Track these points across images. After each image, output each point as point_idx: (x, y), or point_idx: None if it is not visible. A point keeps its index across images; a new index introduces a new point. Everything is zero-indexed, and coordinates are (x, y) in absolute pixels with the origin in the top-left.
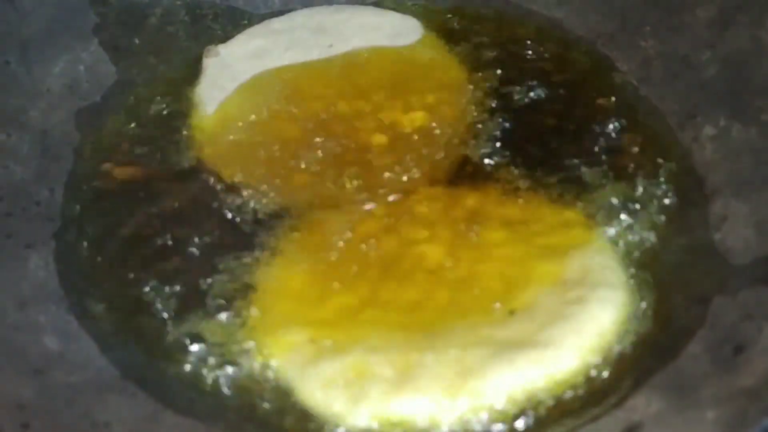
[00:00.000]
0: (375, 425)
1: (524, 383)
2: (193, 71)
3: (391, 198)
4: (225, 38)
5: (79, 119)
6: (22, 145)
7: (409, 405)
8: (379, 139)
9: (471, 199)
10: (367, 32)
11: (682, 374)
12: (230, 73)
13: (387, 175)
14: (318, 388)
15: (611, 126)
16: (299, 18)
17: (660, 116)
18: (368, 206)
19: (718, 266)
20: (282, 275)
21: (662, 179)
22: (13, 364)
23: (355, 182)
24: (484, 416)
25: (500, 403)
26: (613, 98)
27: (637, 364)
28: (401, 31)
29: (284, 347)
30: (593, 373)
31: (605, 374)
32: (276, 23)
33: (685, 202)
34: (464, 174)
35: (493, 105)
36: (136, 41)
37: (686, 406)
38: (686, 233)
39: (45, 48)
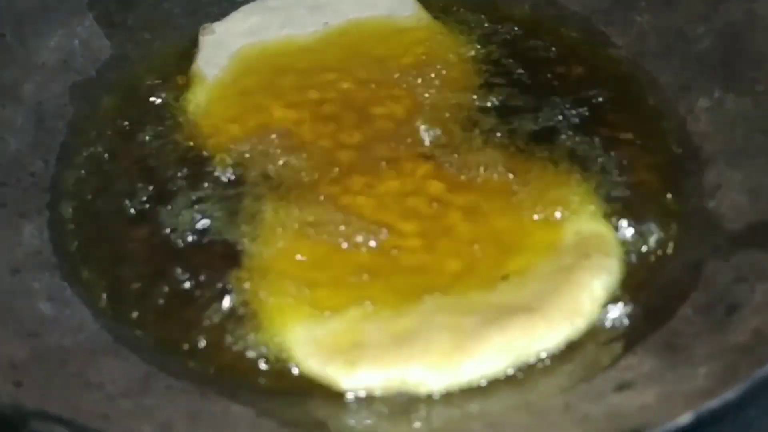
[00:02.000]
0: (370, 390)
1: (517, 348)
2: (188, 48)
3: (383, 164)
4: (220, 15)
5: (74, 93)
6: (17, 117)
7: (404, 370)
8: (375, 110)
9: (466, 168)
10: (362, 9)
11: (676, 335)
12: (226, 50)
13: (380, 144)
14: (313, 354)
15: (607, 99)
16: None
17: (655, 89)
18: (362, 174)
19: (712, 232)
20: (273, 241)
21: (657, 150)
22: (7, 326)
23: (348, 151)
24: (478, 380)
25: (494, 368)
26: (609, 72)
27: (632, 327)
28: (396, 7)
29: (278, 313)
30: (586, 337)
31: (599, 338)
32: (272, 1)
33: (681, 172)
34: (458, 144)
35: (489, 79)
36: (131, 17)
37: (678, 364)
38: (680, 201)
39: (40, 22)
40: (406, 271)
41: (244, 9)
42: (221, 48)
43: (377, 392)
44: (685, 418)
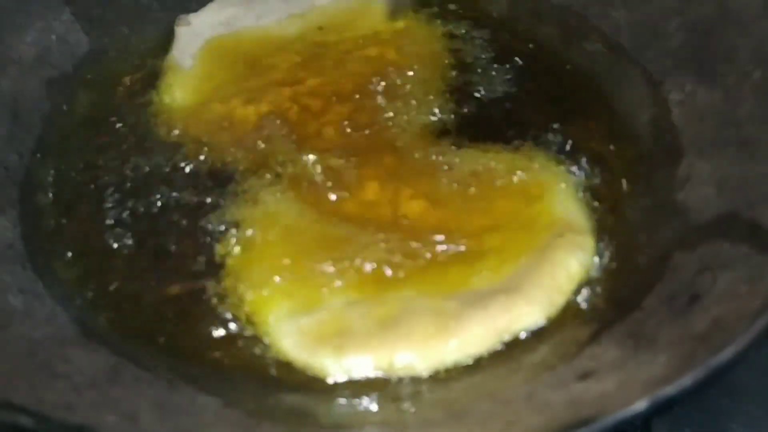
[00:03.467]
0: (358, 375)
1: (500, 327)
2: (165, 42)
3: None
4: (197, 9)
5: (50, 88)
6: None
7: (391, 354)
8: (342, 106)
9: (441, 155)
10: (338, 1)
11: (640, 324)
12: (201, 41)
13: (349, 135)
14: (299, 343)
15: (581, 92)
16: None
17: (629, 83)
18: (337, 162)
19: (680, 224)
20: (251, 233)
21: (630, 143)
22: None
23: (315, 141)
24: (459, 360)
25: (477, 349)
26: (584, 66)
27: (597, 318)
28: None
29: (261, 305)
30: (555, 326)
31: (566, 328)
32: None
33: (652, 164)
34: (433, 134)
35: (465, 71)
36: (109, 11)
37: (640, 353)
38: (650, 193)
39: (17, 16)
40: (383, 257)
41: (221, 0)
42: (196, 39)
43: (361, 377)
44: (641, 405)
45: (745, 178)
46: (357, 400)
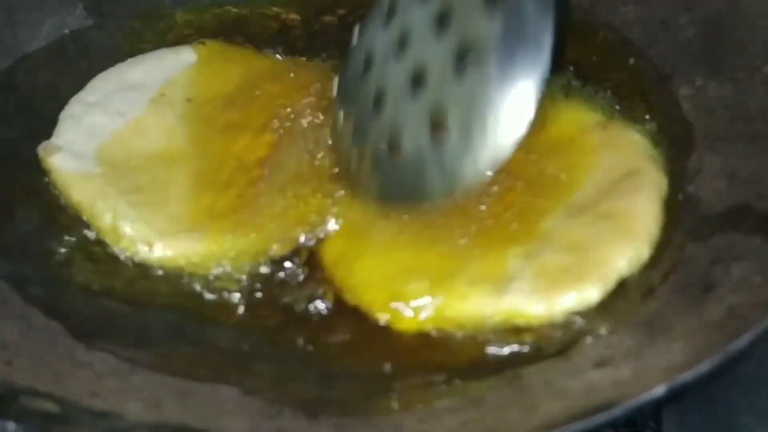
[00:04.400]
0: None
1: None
2: (179, 38)
3: None
4: None
5: (65, 82)
6: (9, 106)
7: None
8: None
9: None
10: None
11: (654, 314)
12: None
13: None
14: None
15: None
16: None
17: (639, 78)
18: None
19: (692, 216)
20: None
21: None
22: None
23: None
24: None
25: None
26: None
27: (612, 308)
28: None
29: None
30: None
31: (579, 320)
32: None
33: (662, 157)
34: None
35: None
36: (121, 7)
37: (656, 341)
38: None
39: (31, 11)
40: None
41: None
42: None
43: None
44: (659, 390)
45: (756, 172)
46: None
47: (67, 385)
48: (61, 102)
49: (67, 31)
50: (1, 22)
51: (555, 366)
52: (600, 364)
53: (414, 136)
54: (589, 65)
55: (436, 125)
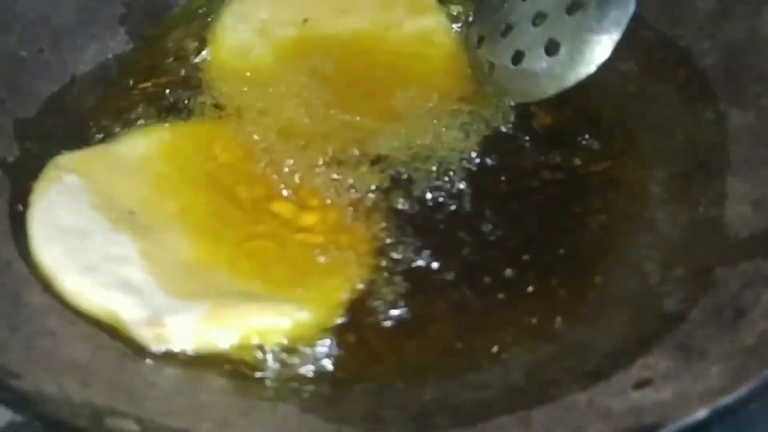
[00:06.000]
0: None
1: None
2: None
3: None
4: None
5: (108, 104)
6: (58, 129)
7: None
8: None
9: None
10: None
11: (688, 337)
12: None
13: None
14: None
15: (614, 112)
16: None
17: (662, 103)
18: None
19: (719, 240)
20: None
21: (664, 162)
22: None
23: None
24: None
25: None
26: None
27: (645, 330)
28: None
29: None
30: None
31: (615, 340)
32: None
33: (688, 182)
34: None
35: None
36: (159, 29)
37: (693, 363)
38: (689, 210)
39: (76, 37)
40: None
41: None
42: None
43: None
44: (701, 414)
45: None
46: None
47: (142, 404)
48: (107, 124)
49: (110, 55)
50: (48, 47)
51: (595, 385)
52: (640, 384)
53: (533, 53)
54: None
55: (551, 44)
